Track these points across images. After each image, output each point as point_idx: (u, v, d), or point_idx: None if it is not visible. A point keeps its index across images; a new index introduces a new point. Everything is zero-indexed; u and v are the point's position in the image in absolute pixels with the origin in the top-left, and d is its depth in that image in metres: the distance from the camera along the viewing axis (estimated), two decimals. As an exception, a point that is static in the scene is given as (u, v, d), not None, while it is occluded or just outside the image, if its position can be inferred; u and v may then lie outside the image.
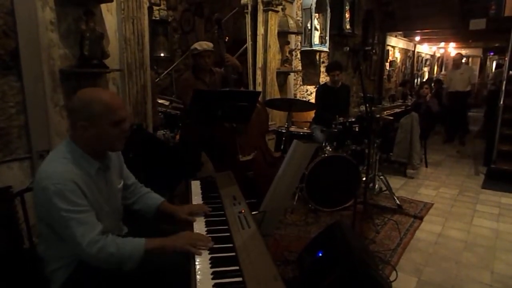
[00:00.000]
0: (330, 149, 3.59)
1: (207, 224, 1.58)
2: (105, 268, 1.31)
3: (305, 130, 4.17)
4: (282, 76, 4.71)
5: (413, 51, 11.42)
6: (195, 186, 2.02)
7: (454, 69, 7.02)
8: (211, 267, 1.25)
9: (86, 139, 1.38)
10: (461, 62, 7.16)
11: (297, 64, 5.12)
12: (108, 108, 1.36)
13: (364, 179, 3.38)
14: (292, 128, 3.94)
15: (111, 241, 1.30)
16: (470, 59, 15.69)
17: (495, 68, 9.71)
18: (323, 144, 3.67)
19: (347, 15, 5.97)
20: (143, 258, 1.32)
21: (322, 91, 4.34)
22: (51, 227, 1.34)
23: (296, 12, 4.91)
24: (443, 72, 14.81)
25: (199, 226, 1.56)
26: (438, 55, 14.42)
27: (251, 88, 4.26)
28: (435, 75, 13.56)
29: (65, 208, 1.26)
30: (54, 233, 1.34)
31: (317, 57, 5.65)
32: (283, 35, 4.51)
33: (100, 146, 1.42)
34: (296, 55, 5.05)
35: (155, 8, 5.78)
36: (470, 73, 6.97)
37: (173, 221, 1.67)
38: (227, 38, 3.18)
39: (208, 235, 1.46)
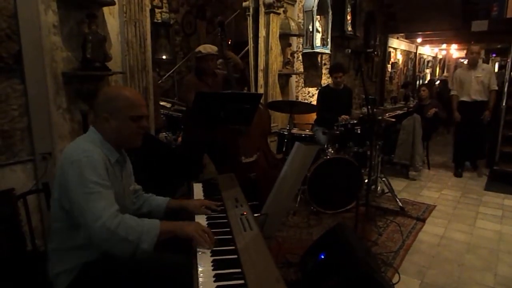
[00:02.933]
0: (332, 151, 3.59)
1: (209, 226, 1.58)
2: (119, 255, 1.29)
3: (307, 132, 4.17)
4: (284, 78, 4.71)
5: (415, 53, 11.41)
6: (197, 188, 2.02)
7: (468, 69, 4.86)
8: (213, 269, 1.24)
9: (107, 131, 1.47)
10: (479, 59, 4.94)
11: (298, 66, 5.13)
12: (129, 103, 1.46)
13: (366, 181, 3.37)
14: (294, 130, 3.94)
15: (129, 216, 1.33)
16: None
17: (498, 69, 9.64)
18: (325, 146, 3.66)
19: (348, 17, 5.97)
20: (146, 255, 1.32)
21: (324, 93, 4.34)
22: (67, 211, 1.35)
23: (298, 14, 4.92)
24: (445, 73, 14.79)
25: (201, 228, 1.56)
26: (440, 56, 14.40)
27: (253, 90, 4.27)
28: (437, 77, 13.54)
29: (93, 180, 1.30)
30: (67, 219, 1.36)
31: (319, 59, 5.65)
32: (285, 37, 4.52)
33: (119, 139, 1.50)
34: (297, 57, 5.05)
35: (157, 10, 5.81)
36: (490, 75, 4.80)
37: (180, 219, 1.67)
38: (229, 40, 3.18)
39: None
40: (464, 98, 4.85)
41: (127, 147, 1.60)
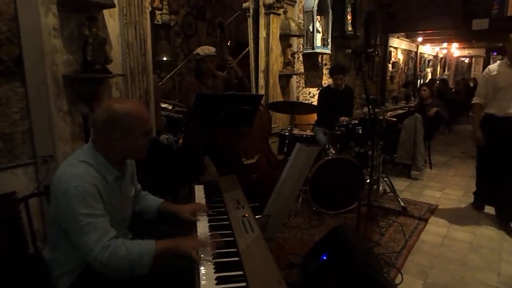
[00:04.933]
0: (334, 152, 3.58)
1: (211, 228, 1.58)
2: (116, 277, 1.30)
3: (308, 132, 4.16)
4: (285, 79, 4.71)
5: (416, 52, 11.40)
6: (199, 190, 2.01)
7: (504, 67, 3.17)
8: (215, 272, 1.24)
9: (115, 150, 1.42)
10: None
11: (299, 66, 5.13)
12: (140, 121, 1.41)
13: (368, 181, 3.36)
14: (295, 131, 3.93)
15: (121, 244, 1.30)
16: (473, 59, 15.65)
17: None
18: (326, 147, 3.66)
19: (348, 17, 5.97)
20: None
21: (325, 93, 4.33)
22: (64, 232, 1.34)
23: (298, 14, 4.92)
24: (446, 72, 14.77)
25: (203, 230, 1.56)
26: (441, 55, 14.38)
27: (253, 91, 4.27)
28: (438, 76, 13.52)
29: (83, 212, 1.27)
30: (66, 238, 1.35)
31: (319, 59, 5.65)
32: (285, 38, 4.52)
33: (127, 155, 1.48)
34: (298, 58, 5.05)
35: (157, 12, 5.82)
36: None
37: (175, 221, 1.67)
38: (229, 42, 3.18)
39: (212, 239, 1.46)
40: (495, 111, 3.19)
41: (131, 159, 1.57)
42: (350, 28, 6.02)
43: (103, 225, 1.31)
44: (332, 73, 4.24)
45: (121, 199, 1.52)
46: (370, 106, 2.99)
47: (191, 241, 1.40)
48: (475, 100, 3.37)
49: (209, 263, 1.29)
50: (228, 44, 3.14)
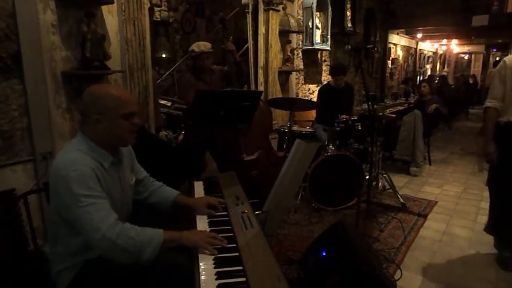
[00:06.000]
0: (333, 148, 3.58)
1: (211, 224, 1.58)
2: (121, 263, 1.27)
3: (308, 129, 4.16)
4: (284, 75, 4.70)
5: (415, 49, 11.38)
6: (198, 187, 2.02)
7: None
8: (215, 267, 1.24)
9: (99, 133, 1.41)
10: None
11: (298, 63, 5.12)
12: (119, 101, 1.41)
13: (367, 177, 3.36)
14: (295, 127, 3.93)
15: (130, 227, 1.30)
16: (473, 56, 15.64)
17: (493, 65, 9.55)
18: (326, 143, 3.66)
19: (348, 13, 5.95)
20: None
21: (324, 91, 4.32)
22: (65, 222, 1.34)
23: (297, 11, 4.90)
24: (445, 69, 14.75)
25: (203, 226, 1.56)
26: (440, 52, 14.36)
27: (253, 87, 4.26)
28: (437, 72, 13.51)
29: (84, 193, 1.27)
30: (67, 228, 1.35)
31: (319, 55, 5.64)
32: (285, 34, 4.51)
33: (112, 139, 1.46)
34: (297, 54, 5.04)
35: (156, 9, 5.79)
36: None
37: (189, 213, 1.68)
38: (231, 37, 3.17)
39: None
40: None
41: (121, 146, 1.55)
42: (349, 25, 6.01)
43: (106, 206, 1.31)
44: (332, 74, 4.22)
45: (120, 185, 1.53)
46: (370, 103, 2.99)
47: (199, 234, 1.42)
48: (488, 103, 2.51)
49: (209, 259, 1.29)
50: (230, 39, 3.12)
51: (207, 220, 1.61)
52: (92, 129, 1.42)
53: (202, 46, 3.07)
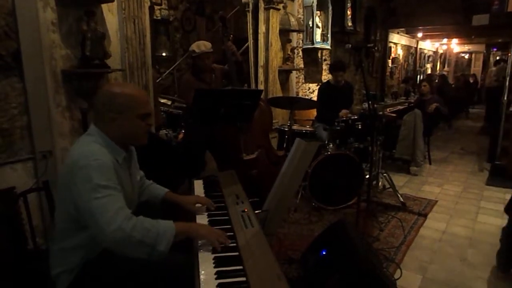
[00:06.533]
0: (333, 147, 3.58)
1: (210, 223, 1.57)
2: (134, 257, 1.25)
3: (308, 128, 4.16)
4: (284, 74, 4.70)
5: (416, 48, 11.36)
6: (198, 186, 2.01)
7: None
8: (215, 267, 1.24)
9: (113, 130, 1.42)
10: None
11: (299, 62, 5.11)
12: (137, 101, 1.43)
13: (367, 176, 3.36)
14: (295, 126, 3.93)
15: (143, 219, 1.29)
16: (473, 55, 15.61)
17: (494, 64, 9.54)
18: (326, 142, 3.65)
19: (348, 12, 5.94)
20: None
21: (324, 90, 4.32)
22: (74, 214, 1.32)
23: (298, 9, 4.89)
24: (445, 68, 14.74)
25: (202, 225, 1.56)
26: (441, 51, 14.34)
27: (253, 86, 4.25)
28: (437, 71, 13.49)
29: (103, 184, 1.27)
30: (74, 220, 1.34)
31: (319, 54, 5.63)
32: (285, 33, 4.50)
33: (126, 138, 1.47)
34: (298, 53, 5.03)
35: (156, 7, 5.78)
36: None
37: (178, 212, 1.68)
38: (231, 36, 3.16)
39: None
40: None
41: (133, 145, 1.57)
42: (350, 24, 6.00)
43: (121, 199, 1.31)
44: (332, 70, 4.22)
45: (131, 181, 1.54)
46: (370, 102, 2.99)
47: (208, 228, 1.43)
48: None
49: (209, 259, 1.29)
50: (230, 38, 3.11)
51: (207, 219, 1.61)
52: (108, 126, 1.42)
53: (202, 46, 3.06)
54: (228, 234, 1.45)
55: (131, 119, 1.42)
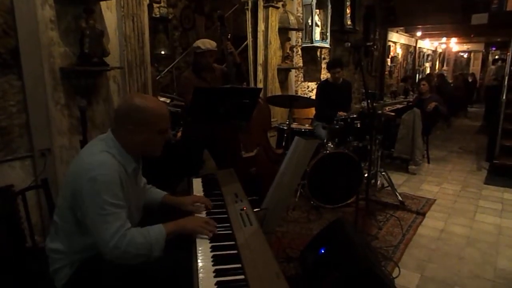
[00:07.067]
0: (332, 146, 3.58)
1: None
2: (133, 264, 1.32)
3: (307, 126, 4.16)
4: (283, 73, 4.69)
5: (415, 47, 11.37)
6: (197, 184, 2.01)
7: None
8: (213, 265, 1.24)
9: (130, 141, 1.43)
10: None
11: (298, 60, 5.11)
12: (159, 118, 1.44)
13: (366, 175, 3.37)
14: (294, 125, 3.93)
15: (136, 232, 1.33)
16: (472, 54, 15.63)
17: (493, 63, 9.54)
18: (325, 141, 3.66)
19: (348, 11, 5.93)
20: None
21: (323, 88, 4.32)
22: (78, 219, 1.34)
23: (297, 8, 4.89)
24: (444, 67, 14.75)
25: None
26: (440, 50, 14.35)
27: (252, 85, 4.25)
28: (436, 70, 13.50)
29: (110, 201, 1.29)
30: (78, 224, 1.35)
31: (318, 53, 5.62)
32: (284, 32, 4.50)
33: (143, 150, 1.49)
34: (297, 52, 5.03)
35: (155, 5, 5.76)
36: None
37: (176, 213, 1.68)
38: (229, 34, 3.14)
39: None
40: None
41: (148, 157, 1.56)
42: (349, 22, 5.99)
43: (123, 216, 1.33)
44: (329, 67, 4.23)
45: (138, 190, 1.56)
46: (369, 101, 2.99)
47: (194, 219, 1.48)
48: None
49: (208, 257, 1.29)
50: (229, 37, 3.10)
51: (206, 217, 1.61)
52: (123, 136, 1.43)
53: (207, 44, 3.03)
54: (227, 232, 1.45)
55: (151, 133, 1.43)
